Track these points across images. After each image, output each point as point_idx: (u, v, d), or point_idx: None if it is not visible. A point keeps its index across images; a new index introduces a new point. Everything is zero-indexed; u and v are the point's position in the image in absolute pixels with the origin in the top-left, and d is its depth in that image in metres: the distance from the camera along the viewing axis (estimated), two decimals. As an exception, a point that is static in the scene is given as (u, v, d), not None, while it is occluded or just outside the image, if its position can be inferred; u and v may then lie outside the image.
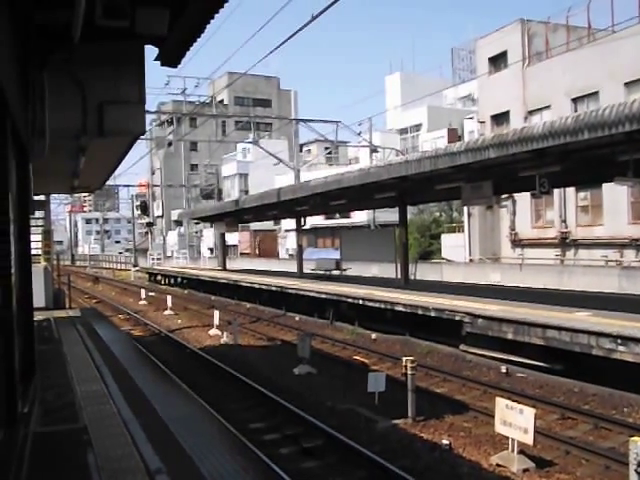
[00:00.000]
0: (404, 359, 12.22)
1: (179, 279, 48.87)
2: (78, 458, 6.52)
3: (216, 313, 24.06)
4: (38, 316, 16.37)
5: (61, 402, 8.78)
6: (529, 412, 9.38)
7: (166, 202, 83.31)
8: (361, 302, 21.88)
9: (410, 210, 32.48)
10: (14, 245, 6.72)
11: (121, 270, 74.91)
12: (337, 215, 47.79)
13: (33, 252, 15.61)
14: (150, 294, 39.67)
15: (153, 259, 68.00)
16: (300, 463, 9.71)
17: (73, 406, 8.55)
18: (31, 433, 7.01)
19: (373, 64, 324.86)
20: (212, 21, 7.19)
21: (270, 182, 51.58)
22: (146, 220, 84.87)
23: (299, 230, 36.59)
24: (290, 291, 27.65)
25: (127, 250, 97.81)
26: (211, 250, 67.43)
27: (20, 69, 6.56)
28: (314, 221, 46.21)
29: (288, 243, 56.95)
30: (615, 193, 27.00)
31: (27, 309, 8.23)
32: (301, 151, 59.45)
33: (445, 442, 10.40)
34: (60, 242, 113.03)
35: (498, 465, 9.46)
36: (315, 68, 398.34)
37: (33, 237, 16.28)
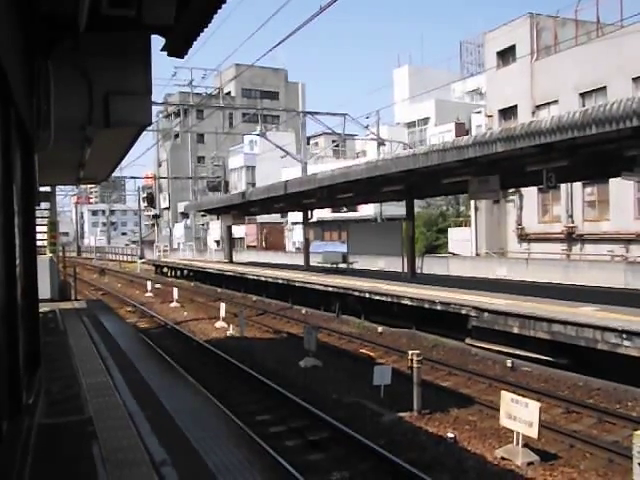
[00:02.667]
0: (410, 352, 12.19)
1: (185, 271, 48.93)
2: (83, 449, 6.52)
3: (222, 305, 24.09)
4: (44, 307, 16.42)
5: (66, 394, 8.78)
6: (534, 406, 9.37)
7: (173, 194, 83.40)
8: (367, 295, 21.87)
9: (417, 204, 32.40)
10: (19, 236, 6.71)
11: (127, 262, 75.01)
12: (344, 208, 47.74)
13: (38, 244, 15.62)
14: (156, 286, 39.72)
15: (159, 251, 68.05)
16: (306, 456, 9.71)
17: (78, 398, 8.56)
18: (36, 424, 7.01)
19: (381, 57, 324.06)
20: (219, 11, 7.15)
21: (277, 175, 51.55)
22: (152, 212, 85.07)
23: (306, 223, 36.58)
24: (297, 284, 27.64)
25: (133, 242, 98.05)
26: (217, 242, 67.47)
27: (25, 58, 6.52)
28: (321, 214, 46.22)
29: (295, 236, 56.96)
30: (622, 188, 26.95)
31: (32, 300, 8.21)
32: (308, 144, 59.33)
33: (450, 435, 10.41)
34: (66, 234, 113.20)
35: (503, 458, 9.45)
36: (323, 61, 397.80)
37: (39, 228, 16.31)
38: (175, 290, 32.03)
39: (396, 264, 28.74)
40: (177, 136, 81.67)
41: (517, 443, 9.55)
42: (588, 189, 31.18)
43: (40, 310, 9.84)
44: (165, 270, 54.58)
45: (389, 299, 20.54)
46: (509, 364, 15.20)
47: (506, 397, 9.98)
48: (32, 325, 8.05)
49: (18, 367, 6.06)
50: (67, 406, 8.14)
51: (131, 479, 5.77)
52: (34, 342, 8.21)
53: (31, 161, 7.95)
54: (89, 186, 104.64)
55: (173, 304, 30.48)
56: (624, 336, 12.36)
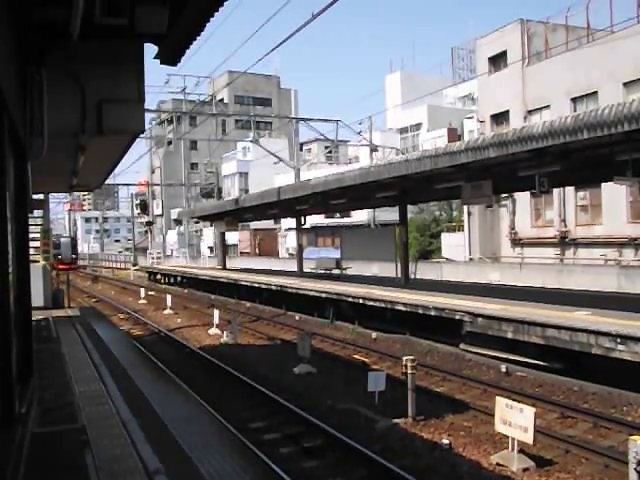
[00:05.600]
0: (404, 358, 12.20)
1: (179, 278, 48.82)
2: (76, 458, 6.49)
3: (216, 312, 24.03)
4: (37, 315, 16.35)
5: (59, 402, 8.74)
6: (529, 411, 9.37)
7: (166, 201, 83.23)
8: (361, 301, 21.85)
9: (410, 209, 32.43)
10: (12, 244, 6.69)
11: (120, 269, 74.82)
12: (337, 214, 47.73)
13: (31, 251, 15.55)
14: (150, 293, 39.63)
15: (153, 258, 67.89)
16: (300, 463, 9.68)
17: (71, 406, 8.52)
18: (29, 433, 6.97)
19: (374, 63, 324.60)
20: (212, 19, 7.16)
21: (270, 181, 51.55)
22: (146, 219, 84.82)
23: (299, 229, 36.54)
24: (290, 290, 27.60)
25: (127, 249, 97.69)
26: (211, 249, 67.38)
27: (18, 66, 6.52)
28: (314, 220, 46.17)
29: (288, 242, 56.89)
30: (614, 192, 26.96)
31: (25, 308, 8.18)
32: (301, 150, 59.32)
33: (445, 441, 10.39)
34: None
35: (498, 464, 9.44)
36: (315, 66, 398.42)
37: (31, 236, 16.23)
38: (169, 297, 31.96)
39: (390, 270, 28.75)
40: (170, 143, 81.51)
41: (512, 449, 9.54)
42: (581, 193, 31.25)
43: (33, 318, 9.81)
44: (158, 277, 54.46)
45: (383, 305, 20.52)
46: (503, 369, 15.20)
47: (501, 402, 9.98)
48: (25, 333, 8.02)
49: (11, 375, 6.03)
50: (60, 415, 8.10)
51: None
52: (27, 350, 8.18)
53: (24, 168, 7.93)
54: (82, 193, 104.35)
55: (166, 311, 30.39)
56: (618, 340, 12.38)
